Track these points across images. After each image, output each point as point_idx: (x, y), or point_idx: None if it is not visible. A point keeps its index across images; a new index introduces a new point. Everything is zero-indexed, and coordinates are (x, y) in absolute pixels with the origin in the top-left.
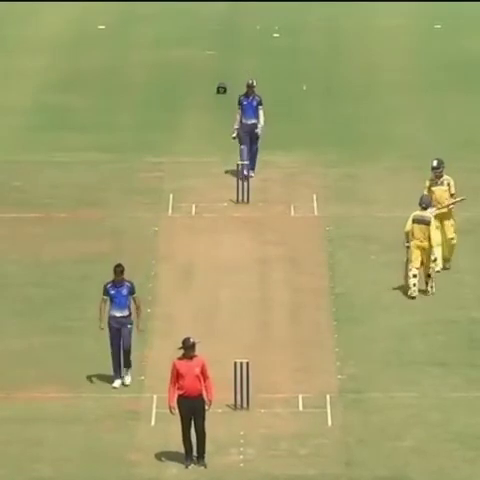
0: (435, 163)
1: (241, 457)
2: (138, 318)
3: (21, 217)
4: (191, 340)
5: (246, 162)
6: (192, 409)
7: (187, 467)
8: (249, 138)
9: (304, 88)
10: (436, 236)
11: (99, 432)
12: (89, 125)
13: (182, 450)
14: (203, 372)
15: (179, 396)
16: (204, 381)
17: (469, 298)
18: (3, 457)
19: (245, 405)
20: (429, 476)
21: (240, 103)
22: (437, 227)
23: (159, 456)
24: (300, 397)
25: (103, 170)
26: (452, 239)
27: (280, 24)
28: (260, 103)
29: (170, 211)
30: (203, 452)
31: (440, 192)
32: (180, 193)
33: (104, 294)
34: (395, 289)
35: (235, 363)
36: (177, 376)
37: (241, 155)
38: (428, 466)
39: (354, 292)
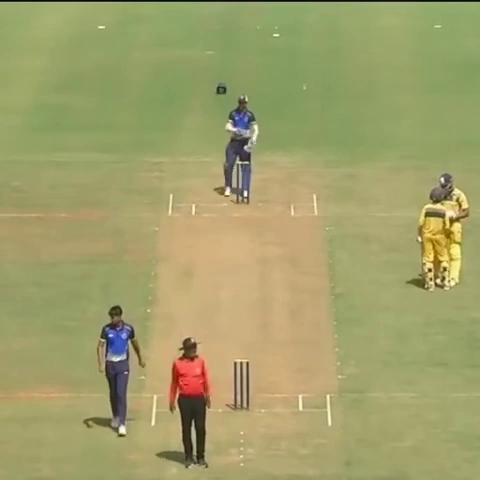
0: (443, 180)
1: (241, 457)
2: (139, 356)
3: (21, 217)
4: (192, 340)
5: (231, 182)
6: (193, 409)
7: (187, 467)
8: (236, 154)
9: (304, 88)
10: (454, 249)
11: (99, 432)
12: (89, 125)
13: (182, 450)
14: (203, 371)
15: (180, 396)
16: (203, 379)
17: (469, 298)
18: (3, 457)
19: (245, 405)
20: (429, 476)
21: (232, 118)
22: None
23: (159, 456)
24: (300, 397)
25: (103, 170)
26: (457, 259)
27: (280, 24)
28: (252, 119)
29: (170, 211)
30: (203, 452)
31: (449, 206)
32: (180, 193)
33: (102, 337)
34: (395, 289)
35: (235, 363)
36: (178, 376)
37: (225, 172)
38: (428, 466)
39: (354, 292)
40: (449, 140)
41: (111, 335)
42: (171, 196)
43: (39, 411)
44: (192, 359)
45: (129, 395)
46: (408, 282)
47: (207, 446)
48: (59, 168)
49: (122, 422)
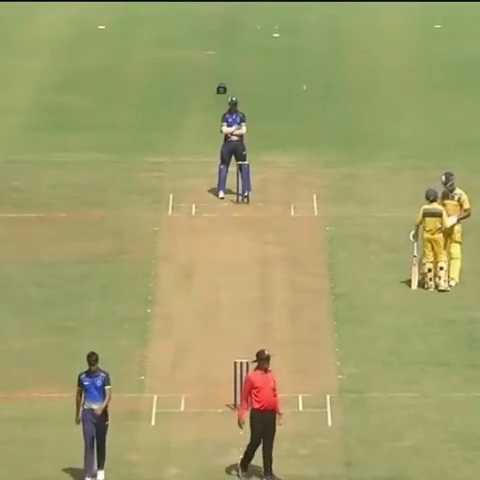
0: (444, 178)
1: (241, 457)
2: (104, 405)
3: (21, 217)
4: (266, 352)
5: (225, 183)
6: (266, 424)
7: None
8: (230, 156)
9: (304, 88)
10: (455, 248)
11: None
12: (89, 125)
13: (182, 450)
14: (275, 386)
15: (254, 410)
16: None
17: (469, 298)
18: (3, 457)
19: None
20: (429, 476)
21: (225, 120)
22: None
23: (159, 456)
24: (300, 397)
25: (103, 170)
26: (457, 258)
27: (280, 24)
28: (243, 120)
29: (170, 211)
30: (271, 466)
31: (451, 206)
32: (180, 193)
33: (79, 385)
34: (395, 289)
35: (235, 363)
36: (252, 390)
37: (219, 174)
38: (428, 466)
39: (354, 292)
40: (449, 140)
41: (86, 383)
42: (171, 196)
43: (39, 411)
44: (266, 371)
45: (129, 395)
46: (408, 282)
47: (207, 446)
48: (59, 168)
49: (101, 467)
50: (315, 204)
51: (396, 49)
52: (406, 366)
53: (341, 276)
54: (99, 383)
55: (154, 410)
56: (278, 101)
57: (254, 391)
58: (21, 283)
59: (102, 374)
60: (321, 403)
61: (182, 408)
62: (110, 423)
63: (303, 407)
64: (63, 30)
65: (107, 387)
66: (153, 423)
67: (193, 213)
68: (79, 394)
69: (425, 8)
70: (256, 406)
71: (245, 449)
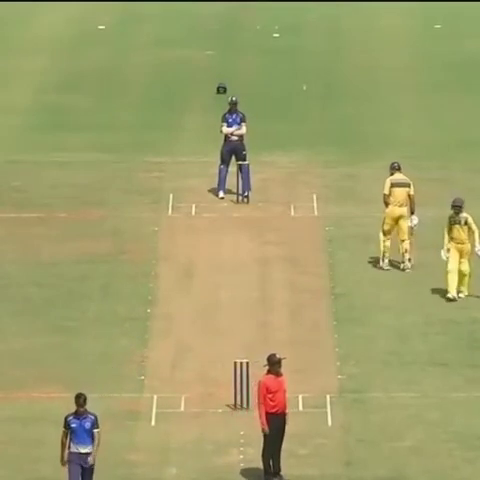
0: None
1: (241, 457)
2: (94, 452)
3: (21, 217)
4: (277, 356)
5: (225, 183)
6: (279, 426)
7: None
8: (230, 156)
9: (304, 88)
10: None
11: None
12: (89, 125)
13: (182, 450)
14: (286, 389)
15: (269, 414)
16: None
17: (469, 298)
18: (3, 457)
19: (245, 405)
20: (429, 476)
21: (225, 120)
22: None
23: (159, 456)
24: (300, 397)
25: (103, 170)
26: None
27: (280, 24)
28: (243, 120)
29: (170, 211)
30: (280, 469)
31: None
32: (180, 193)
33: (65, 427)
34: (395, 289)
35: (235, 363)
36: (267, 394)
37: (219, 174)
38: (428, 466)
39: (354, 292)
40: (449, 140)
41: (74, 425)
42: (171, 196)
43: (39, 411)
44: (278, 375)
45: (129, 395)
46: (408, 282)
47: (207, 446)
48: (59, 168)
49: None
50: (315, 204)
51: (396, 49)
52: (406, 366)
53: (341, 276)
54: (88, 425)
55: (154, 410)
56: (278, 101)
57: (269, 396)
58: (21, 283)
59: (90, 416)
60: (321, 403)
61: (182, 408)
62: (110, 424)
63: (303, 407)
64: (63, 30)
65: (96, 430)
66: (153, 423)
67: (193, 213)
68: (65, 436)
69: (425, 8)
70: (271, 410)
71: (262, 456)
